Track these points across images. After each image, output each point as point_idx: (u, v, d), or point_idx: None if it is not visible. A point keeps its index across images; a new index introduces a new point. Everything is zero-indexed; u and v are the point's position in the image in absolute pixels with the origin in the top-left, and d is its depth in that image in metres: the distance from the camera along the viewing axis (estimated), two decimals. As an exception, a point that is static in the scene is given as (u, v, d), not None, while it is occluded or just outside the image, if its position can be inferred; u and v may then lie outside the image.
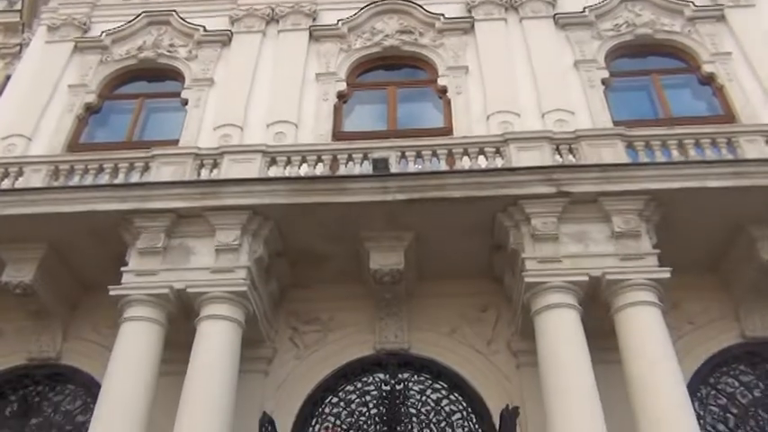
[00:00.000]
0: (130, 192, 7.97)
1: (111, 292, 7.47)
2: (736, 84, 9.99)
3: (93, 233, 8.03)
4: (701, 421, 7.55)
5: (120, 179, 8.46)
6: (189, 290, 7.43)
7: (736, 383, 8.04)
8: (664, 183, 7.58)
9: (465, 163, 8.37)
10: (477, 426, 7.95)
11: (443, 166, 8.39)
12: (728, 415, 7.86)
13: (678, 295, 7.90)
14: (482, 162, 8.37)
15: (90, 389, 8.21)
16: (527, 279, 7.30)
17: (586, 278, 7.23)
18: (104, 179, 8.51)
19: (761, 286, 8.05)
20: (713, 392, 7.99)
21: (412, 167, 8.37)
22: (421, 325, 8.55)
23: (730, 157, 8.02)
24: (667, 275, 7.18)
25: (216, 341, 7.11)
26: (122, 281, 7.59)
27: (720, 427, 7.80)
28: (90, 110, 10.81)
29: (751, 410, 7.86)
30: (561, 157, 8.27)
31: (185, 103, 10.68)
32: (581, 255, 7.41)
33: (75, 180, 8.55)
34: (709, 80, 10.32)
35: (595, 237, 7.52)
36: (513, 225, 7.74)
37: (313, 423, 8.10)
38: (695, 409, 6.92)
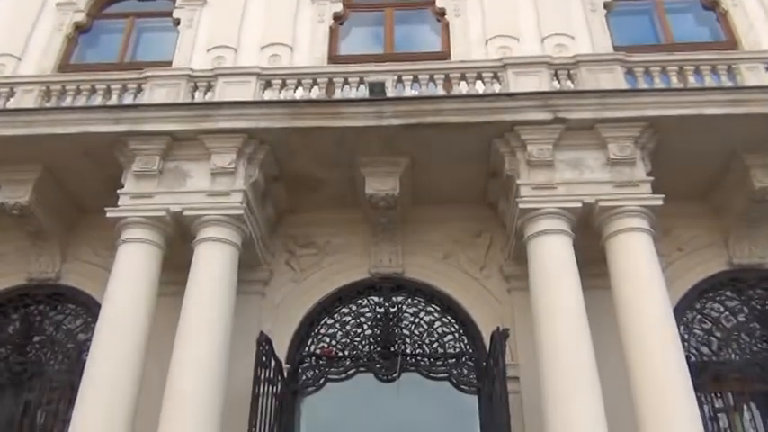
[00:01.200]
0: (124, 114, 7.87)
1: (109, 214, 7.50)
2: (740, 9, 9.79)
3: (87, 155, 7.98)
4: (686, 344, 7.80)
5: (112, 101, 8.35)
6: (185, 213, 7.46)
7: (722, 308, 8.26)
8: (661, 110, 7.51)
9: (462, 88, 8.28)
10: (468, 347, 8.19)
11: (440, 91, 8.29)
12: (712, 338, 8.10)
13: (669, 223, 8.02)
14: (479, 87, 8.28)
15: (90, 308, 8.38)
16: (521, 205, 7.35)
17: (580, 205, 7.28)
18: (97, 101, 8.40)
19: (751, 215, 8.14)
20: (699, 317, 8.21)
21: (408, 92, 8.27)
22: (415, 250, 8.67)
23: (730, 84, 7.94)
24: (660, 203, 7.23)
25: (213, 263, 7.20)
26: (119, 203, 7.59)
27: (704, 349, 8.06)
28: (79, 29, 10.56)
29: (734, 334, 8.11)
30: (559, 83, 8.18)
31: (177, 23, 10.42)
32: (575, 182, 7.43)
33: (68, 101, 8.43)
34: (713, 5, 10.10)
35: (590, 164, 7.52)
36: (508, 151, 7.72)
37: (309, 343, 8.33)
38: (680, 333, 7.10)
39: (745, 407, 7.88)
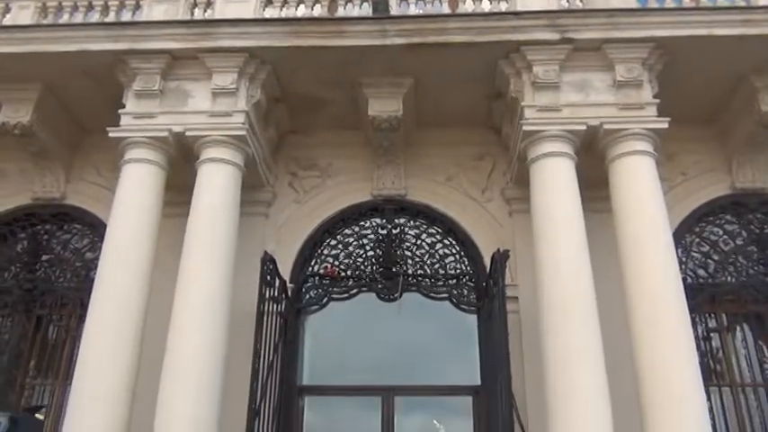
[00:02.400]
0: (123, 31, 7.70)
1: (111, 134, 7.46)
2: None
3: (87, 74, 7.87)
4: (683, 266, 7.92)
5: (111, 17, 8.16)
6: (188, 133, 7.42)
7: (720, 232, 8.34)
8: (671, 30, 7.32)
9: (468, 6, 8.04)
10: (468, 268, 8.31)
11: (445, 10, 8.07)
12: (709, 261, 8.21)
13: (674, 147, 7.98)
14: (485, 5, 8.03)
15: (96, 228, 8.47)
16: (525, 127, 7.28)
17: (584, 127, 7.21)
18: (95, 18, 8.20)
19: (756, 138, 8.07)
20: (697, 240, 8.30)
21: (413, 10, 8.06)
22: (418, 172, 8.67)
23: (742, 3, 7.70)
24: (665, 126, 7.16)
25: (217, 183, 7.21)
26: (121, 123, 7.54)
27: (701, 272, 8.18)
28: (75, -57, 10.16)
29: (731, 257, 8.21)
30: (568, 1, 7.95)
31: (174, -64, 10.02)
32: (581, 104, 7.33)
33: (65, 18, 8.23)
34: None
35: (597, 85, 7.40)
36: (514, 72, 7.59)
37: (312, 263, 8.46)
38: (678, 256, 7.17)
39: (737, 327, 8.08)
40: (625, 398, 6.23)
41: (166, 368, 6.34)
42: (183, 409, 6.15)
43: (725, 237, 8.29)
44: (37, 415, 7.37)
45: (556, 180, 7.03)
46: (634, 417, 6.17)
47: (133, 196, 7.15)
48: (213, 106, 7.54)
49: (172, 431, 6.08)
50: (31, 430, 6.92)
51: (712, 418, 6.82)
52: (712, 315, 8.07)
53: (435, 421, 8.95)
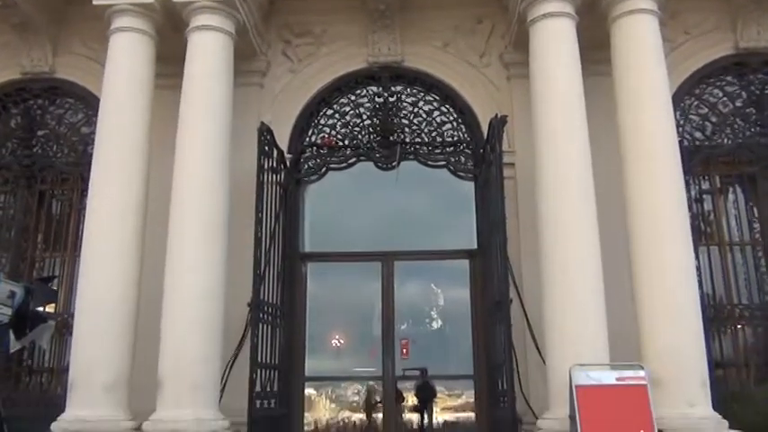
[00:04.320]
0: None
1: (95, 2, 7.15)
2: None
3: (64, -63, 7.44)
4: (680, 129, 7.83)
5: None
6: (174, -1, 7.12)
7: (720, 94, 8.23)
8: None
9: None
10: (466, 135, 8.29)
11: None
12: (707, 123, 8.17)
13: (678, 4, 7.74)
14: None
15: (89, 102, 8.35)
16: (525, -14, 6.97)
17: (587, -14, 6.91)
18: None
19: (764, -6, 7.79)
20: (696, 102, 8.21)
21: None
22: (414, 38, 8.41)
23: None
24: (670, -19, 6.87)
25: (209, 50, 7.00)
26: (104, -10, 7.21)
27: (698, 134, 8.16)
28: None
29: (729, 119, 8.16)
30: None
31: None
32: (585, -40, 6.97)
33: None
34: None
35: (602, -61, 7.00)
36: (515, -74, 7.16)
37: (310, 134, 8.43)
38: (676, 118, 7.08)
39: (730, 189, 8.19)
40: (618, 264, 6.40)
41: (172, 236, 6.47)
42: (189, 277, 6.33)
43: (724, 99, 8.19)
44: (50, 285, 7.62)
45: (556, 42, 6.79)
46: (626, 282, 6.38)
47: (124, 66, 6.95)
48: (199, -31, 7.16)
49: (179, 294, 6.29)
50: (46, 298, 7.16)
51: (700, 276, 7.04)
52: (706, 177, 8.15)
53: (433, 285, 9.30)
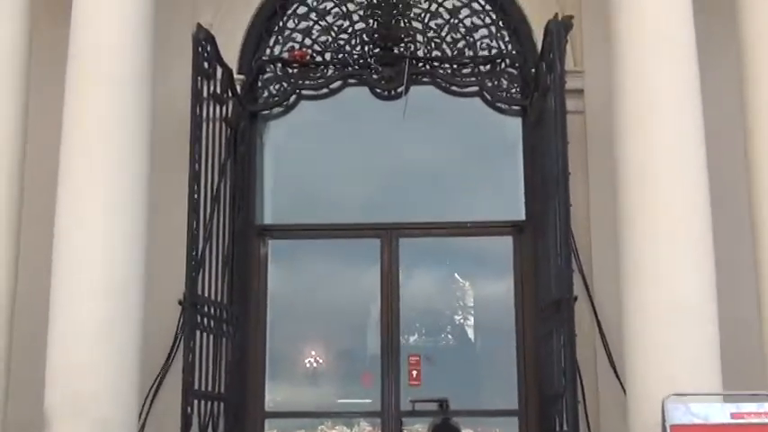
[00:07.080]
0: None
1: None
2: None
3: None
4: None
5: None
6: None
7: None
8: None
9: None
10: (510, 46, 8.34)
11: None
12: None
13: None
14: None
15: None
16: None
17: None
18: None
19: None
20: None
21: None
22: None
23: None
24: None
25: None
26: None
27: None
28: None
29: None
30: None
31: None
32: None
33: None
34: None
35: None
36: None
37: (272, 43, 8.48)
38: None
39: None
40: (735, 246, 6.54)
41: (61, 207, 6.35)
42: (88, 267, 6.26)
43: None
44: None
45: None
46: (745, 274, 6.49)
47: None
48: None
49: (72, 292, 6.24)
50: None
51: None
52: None
53: (457, 275, 9.28)
